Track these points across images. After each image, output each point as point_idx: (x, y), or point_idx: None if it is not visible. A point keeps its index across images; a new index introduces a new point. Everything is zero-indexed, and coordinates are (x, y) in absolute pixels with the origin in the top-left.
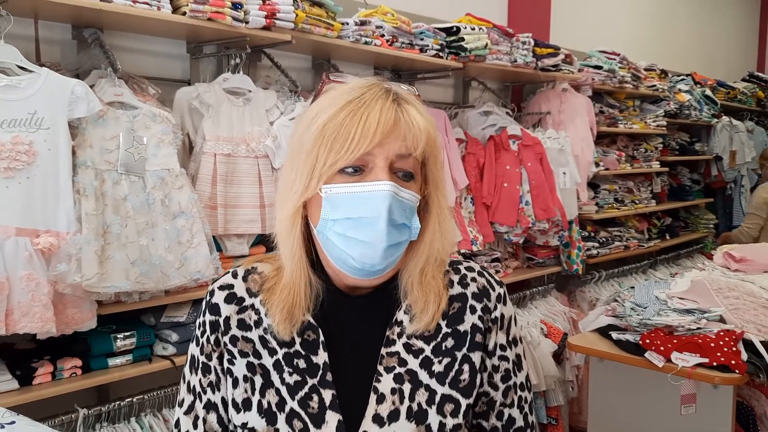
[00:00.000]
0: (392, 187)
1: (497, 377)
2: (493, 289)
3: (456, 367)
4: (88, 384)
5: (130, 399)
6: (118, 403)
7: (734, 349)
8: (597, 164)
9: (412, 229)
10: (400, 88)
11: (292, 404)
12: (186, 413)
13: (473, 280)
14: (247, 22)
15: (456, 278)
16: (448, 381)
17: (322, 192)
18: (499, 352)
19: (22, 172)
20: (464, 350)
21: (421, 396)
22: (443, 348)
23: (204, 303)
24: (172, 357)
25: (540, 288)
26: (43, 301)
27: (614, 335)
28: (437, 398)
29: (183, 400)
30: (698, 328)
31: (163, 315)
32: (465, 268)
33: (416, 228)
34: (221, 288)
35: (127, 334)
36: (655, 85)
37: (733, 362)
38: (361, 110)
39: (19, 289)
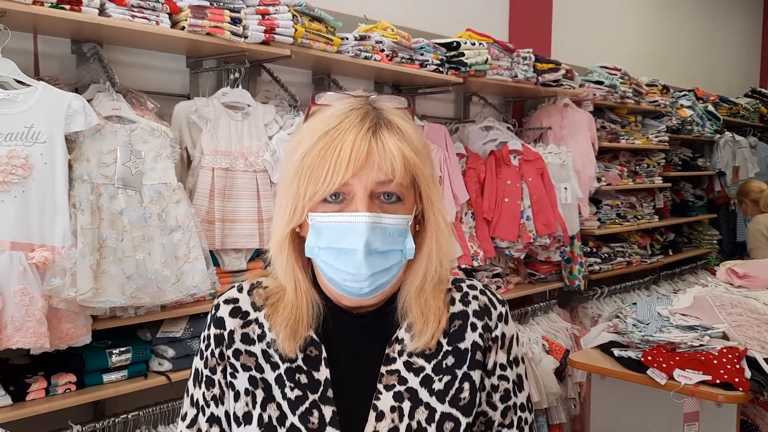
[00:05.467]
0: (369, 218)
1: (496, 397)
2: (495, 308)
3: (456, 385)
4: (82, 400)
5: (125, 415)
6: (112, 419)
7: (738, 366)
8: (599, 179)
9: (406, 250)
10: (386, 104)
11: (292, 419)
12: (189, 427)
13: (475, 298)
14: (246, 37)
15: (458, 296)
16: (448, 399)
17: (309, 219)
18: (498, 372)
19: (17, 186)
20: (464, 368)
21: (421, 414)
22: (444, 366)
23: (209, 317)
24: (168, 373)
25: (542, 304)
26: (37, 316)
27: (616, 352)
28: (437, 416)
29: (186, 414)
30: (701, 345)
31: (159, 330)
32: (467, 286)
33: (410, 248)
34: (226, 302)
35: (122, 349)
36: (656, 101)
37: (736, 380)
38: (335, 142)
39: (13, 303)
